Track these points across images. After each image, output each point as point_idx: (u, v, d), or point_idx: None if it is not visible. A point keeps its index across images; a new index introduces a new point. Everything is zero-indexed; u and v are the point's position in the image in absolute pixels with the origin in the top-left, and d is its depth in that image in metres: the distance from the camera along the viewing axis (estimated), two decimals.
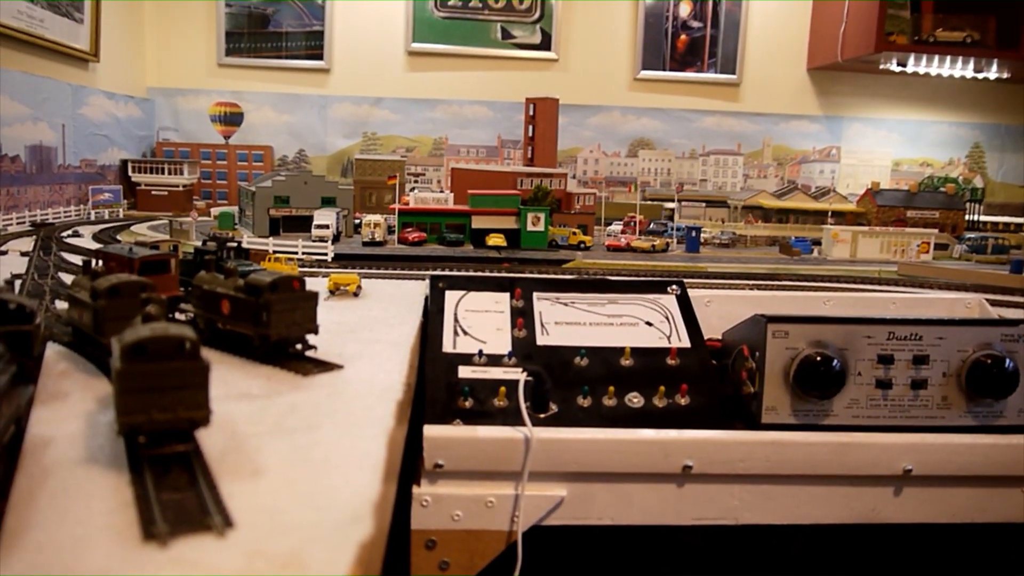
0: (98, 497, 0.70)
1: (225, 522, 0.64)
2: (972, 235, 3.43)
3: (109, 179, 3.74)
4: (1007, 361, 1.44)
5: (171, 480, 0.72)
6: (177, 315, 1.37)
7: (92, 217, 3.35)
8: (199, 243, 1.65)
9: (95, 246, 2.34)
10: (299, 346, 1.19)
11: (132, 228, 3.05)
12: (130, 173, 3.82)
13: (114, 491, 0.71)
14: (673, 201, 3.62)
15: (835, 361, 1.42)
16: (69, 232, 2.78)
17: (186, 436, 0.77)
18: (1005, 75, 4.30)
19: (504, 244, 2.72)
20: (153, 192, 3.82)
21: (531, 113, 3.79)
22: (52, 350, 1.20)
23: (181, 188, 3.83)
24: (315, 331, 1.19)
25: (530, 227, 2.73)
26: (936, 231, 3.33)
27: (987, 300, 1.92)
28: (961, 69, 4.22)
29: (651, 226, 3.36)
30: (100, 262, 1.33)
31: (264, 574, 0.57)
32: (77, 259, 2.11)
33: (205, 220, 3.37)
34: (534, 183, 3.17)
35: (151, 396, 0.73)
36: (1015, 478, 1.46)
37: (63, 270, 1.93)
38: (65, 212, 3.26)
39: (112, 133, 3.78)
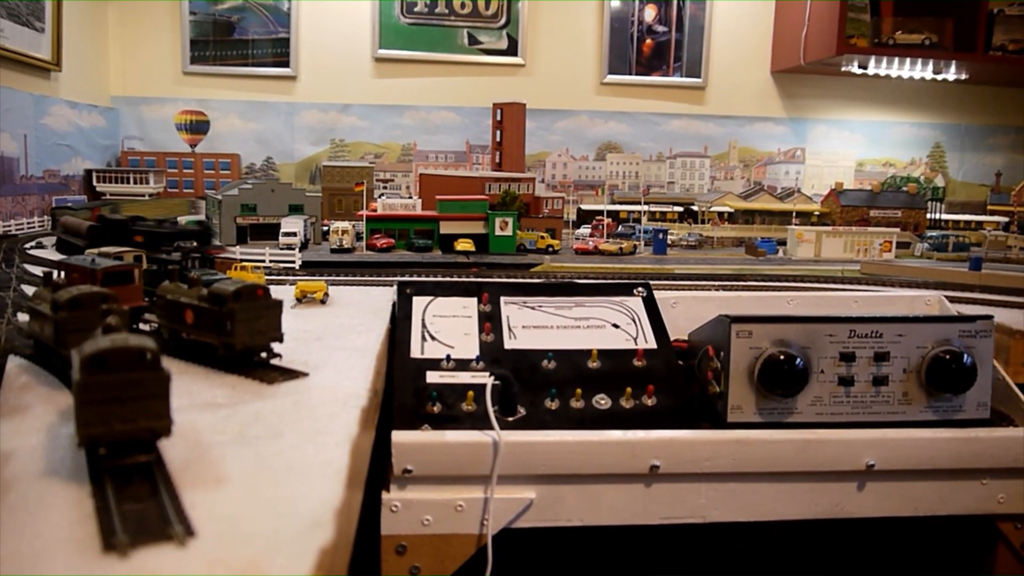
0: (58, 509, 0.69)
1: (186, 531, 0.64)
2: (933, 233, 3.49)
3: (73, 189, 3.69)
4: (965, 356, 1.48)
5: (133, 491, 0.72)
6: (141, 326, 1.36)
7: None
8: (163, 253, 1.64)
9: (58, 257, 2.31)
10: (264, 354, 1.19)
11: None
12: (95, 183, 3.78)
13: (75, 503, 0.71)
14: (640, 204, 3.65)
15: (798, 360, 1.44)
16: (32, 243, 2.75)
17: (148, 446, 0.77)
18: (963, 76, 4.38)
19: (473, 249, 2.73)
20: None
21: (498, 118, 3.80)
22: (14, 363, 1.18)
23: (147, 197, 3.79)
24: (280, 339, 1.18)
25: (498, 232, 2.74)
26: (898, 230, 3.39)
27: (947, 297, 1.96)
28: (921, 71, 4.29)
29: (619, 229, 3.38)
30: (62, 274, 1.32)
31: None
32: (40, 271, 2.09)
33: None
34: (502, 188, 3.18)
35: (111, 407, 0.73)
36: (975, 470, 1.49)
37: (25, 282, 1.91)
38: (28, 223, 3.21)
39: (75, 143, 3.74)
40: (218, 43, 4.16)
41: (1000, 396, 1.59)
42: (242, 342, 1.13)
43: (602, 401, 1.46)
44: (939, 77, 4.39)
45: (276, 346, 1.21)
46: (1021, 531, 1.53)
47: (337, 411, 1.00)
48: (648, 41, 4.38)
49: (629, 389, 1.46)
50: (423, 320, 1.60)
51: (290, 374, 1.16)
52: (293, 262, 2.34)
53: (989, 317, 1.53)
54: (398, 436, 1.31)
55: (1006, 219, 4.17)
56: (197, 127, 4.12)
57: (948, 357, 1.48)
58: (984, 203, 4.59)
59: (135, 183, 3.79)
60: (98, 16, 4.04)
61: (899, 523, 1.49)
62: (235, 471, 0.79)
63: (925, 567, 1.78)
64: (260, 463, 0.81)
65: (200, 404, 1.01)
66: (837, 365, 1.48)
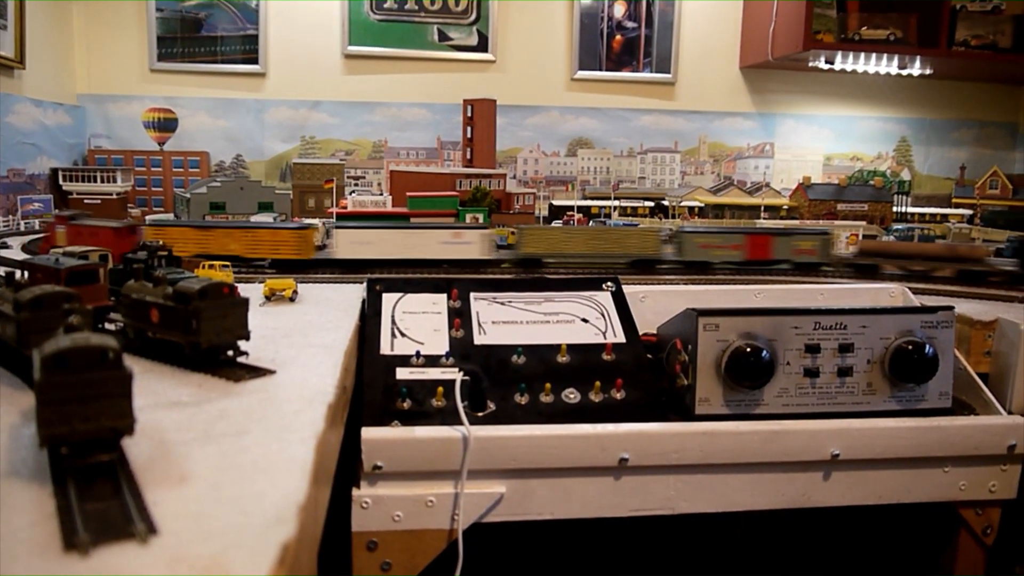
0: (19, 510, 0.69)
1: (149, 529, 0.64)
2: (899, 226, 3.54)
3: (39, 188, 3.65)
4: (927, 347, 1.50)
5: (95, 490, 0.72)
6: (107, 325, 1.35)
7: (22, 228, 3.26)
8: (129, 251, 1.62)
9: (22, 257, 2.28)
10: (231, 352, 1.18)
11: None
12: (61, 182, 3.73)
13: (36, 503, 0.70)
14: (611, 199, 3.67)
15: (764, 352, 1.46)
16: None
17: (111, 446, 0.76)
18: (928, 71, 4.44)
19: None
20: (86, 201, 3.72)
21: (469, 114, 3.80)
22: None
23: (115, 196, 3.75)
24: (246, 337, 1.18)
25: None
26: (865, 223, 3.43)
27: (910, 288, 1.99)
28: (886, 66, 4.35)
29: (590, 224, 3.40)
30: (26, 273, 1.30)
31: None
32: (2, 271, 2.06)
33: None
34: (473, 184, 3.19)
35: (73, 407, 0.72)
36: (937, 459, 1.52)
37: None
38: None
39: (41, 141, 3.69)
40: (186, 40, 4.12)
41: (961, 385, 1.62)
42: (208, 340, 1.12)
43: (571, 395, 1.47)
44: (904, 72, 4.45)
45: (244, 344, 1.20)
46: (982, 517, 1.57)
47: (304, 408, 1.00)
48: (618, 37, 4.40)
49: (598, 383, 1.47)
50: (393, 317, 1.60)
51: (257, 372, 1.16)
52: (263, 260, 2.33)
53: (950, 308, 1.56)
54: (368, 432, 1.31)
55: (970, 212, 4.24)
56: (165, 125, 4.08)
57: (911, 348, 1.50)
58: (949, 196, 4.66)
59: (102, 182, 3.74)
60: (63, 13, 3.98)
61: (864, 511, 1.52)
62: (199, 469, 0.79)
63: (889, 554, 1.81)
64: (225, 461, 0.81)
65: (165, 403, 1.00)
66: (803, 357, 1.50)
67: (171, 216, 3.21)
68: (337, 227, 2.40)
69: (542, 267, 2.44)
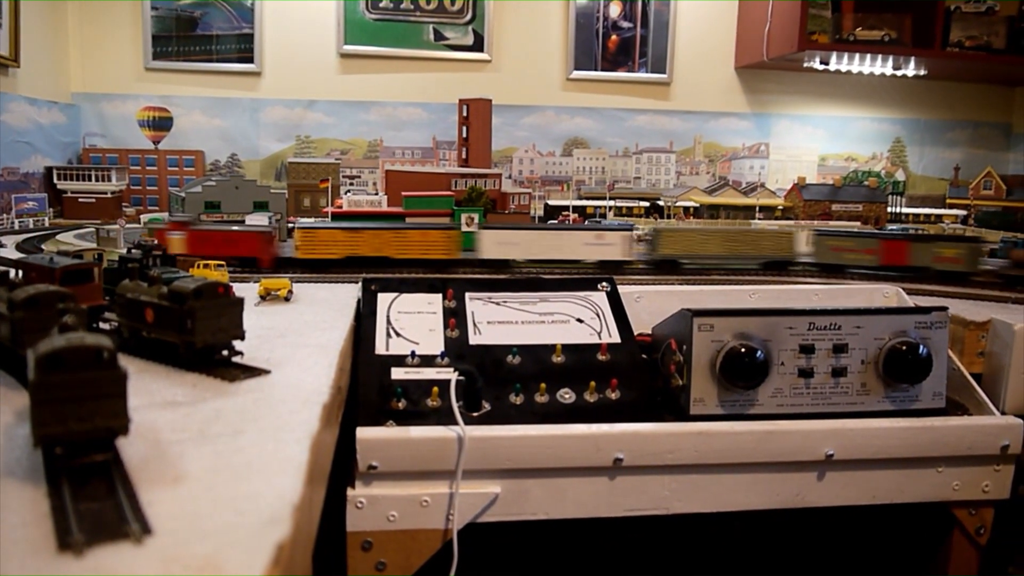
0: (13, 510, 0.69)
1: (143, 529, 0.64)
2: (894, 226, 3.55)
3: (33, 187, 3.63)
4: (921, 347, 1.51)
5: (89, 490, 0.72)
6: (101, 324, 1.34)
7: (16, 226, 3.25)
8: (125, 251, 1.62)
9: (16, 256, 2.28)
10: (225, 352, 1.18)
11: (58, 237, 2.97)
12: (55, 180, 3.72)
13: (31, 503, 0.70)
14: (606, 199, 3.67)
15: (759, 352, 1.46)
16: None
17: (105, 445, 0.76)
18: (922, 72, 4.45)
19: None
20: (80, 199, 3.72)
21: (464, 114, 3.80)
22: None
23: (109, 195, 3.74)
24: (241, 337, 1.18)
25: (464, 228, 2.74)
26: (859, 223, 3.44)
27: (904, 289, 2.00)
28: (881, 66, 4.36)
29: (585, 224, 3.40)
30: (20, 273, 1.30)
31: None
32: None
33: (136, 227, 3.30)
34: (468, 184, 3.18)
35: (67, 407, 0.72)
36: (931, 459, 1.52)
37: None
38: None
39: (35, 140, 3.68)
40: (181, 39, 4.11)
41: (955, 386, 1.63)
42: (203, 340, 1.12)
43: (566, 395, 1.47)
44: (899, 73, 4.46)
45: (239, 344, 1.20)
46: (975, 517, 1.57)
47: (298, 408, 1.00)
48: (613, 37, 4.40)
49: (593, 383, 1.48)
50: (388, 316, 1.60)
51: (252, 372, 1.16)
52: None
53: (944, 308, 1.56)
54: (363, 432, 1.31)
55: (964, 212, 4.26)
56: (160, 123, 4.07)
57: (904, 348, 1.51)
58: (943, 196, 4.67)
59: (97, 181, 3.74)
60: (58, 11, 3.97)
61: (858, 511, 1.52)
62: (194, 469, 0.79)
63: (883, 554, 1.81)
64: (219, 461, 0.81)
65: (160, 403, 1.00)
66: (797, 357, 1.51)
67: (166, 215, 3.20)
68: (484, 227, 2.44)
69: (678, 269, 2.40)
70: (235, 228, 2.32)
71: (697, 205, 3.84)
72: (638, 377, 1.52)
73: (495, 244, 2.39)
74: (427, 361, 1.49)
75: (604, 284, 1.75)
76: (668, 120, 4.53)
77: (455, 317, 1.60)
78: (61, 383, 0.72)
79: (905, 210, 4.20)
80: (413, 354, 1.49)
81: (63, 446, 0.74)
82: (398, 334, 1.56)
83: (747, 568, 1.88)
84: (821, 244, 2.47)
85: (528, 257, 2.39)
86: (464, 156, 3.82)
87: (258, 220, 2.66)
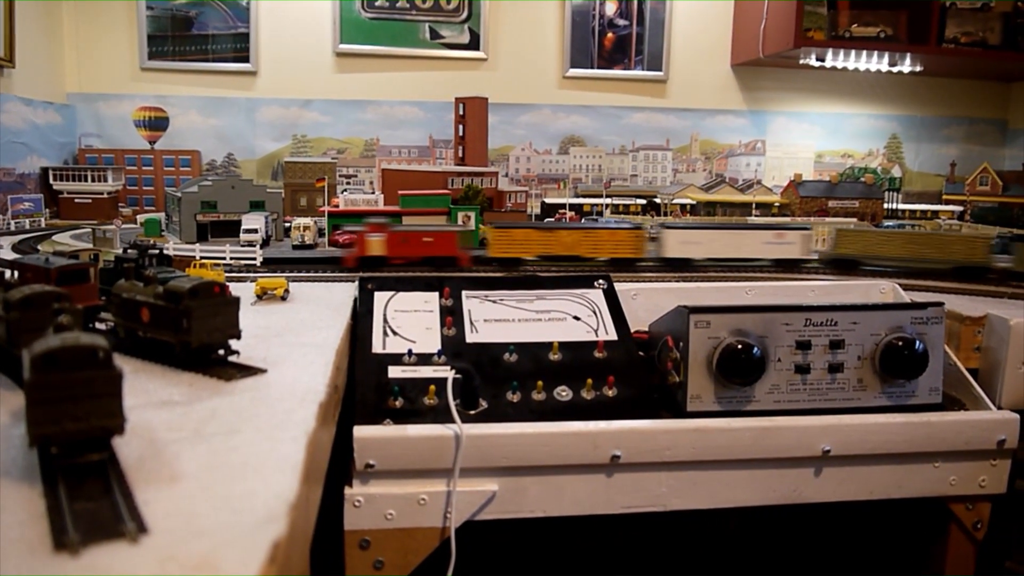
0: (9, 510, 0.69)
1: (139, 528, 0.64)
2: (890, 223, 3.55)
3: (29, 188, 3.63)
4: (917, 343, 1.51)
5: (85, 489, 0.72)
6: (97, 324, 1.34)
7: (12, 227, 3.24)
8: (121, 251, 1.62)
9: (12, 256, 2.28)
10: (221, 351, 1.18)
11: (54, 237, 2.97)
12: (51, 181, 3.71)
13: (26, 503, 0.70)
14: (603, 197, 3.67)
15: (755, 348, 1.47)
16: None
17: (101, 445, 0.76)
18: (918, 68, 4.46)
19: None
20: (76, 200, 3.71)
21: (461, 112, 3.79)
22: None
23: (105, 195, 3.73)
24: (237, 336, 1.18)
25: (461, 225, 2.74)
26: (856, 220, 3.44)
27: (901, 285, 2.00)
28: (877, 63, 4.36)
29: (582, 222, 3.40)
30: (16, 273, 1.30)
31: None
32: None
33: (132, 227, 3.30)
34: (465, 182, 3.18)
35: (63, 406, 0.72)
36: (927, 454, 1.52)
37: None
38: None
39: (31, 140, 3.67)
40: (176, 38, 4.11)
41: (951, 381, 1.63)
42: (199, 339, 1.12)
43: (563, 393, 1.47)
44: (895, 69, 4.46)
45: (235, 343, 1.20)
46: (972, 512, 1.57)
47: (295, 407, 1.00)
48: (609, 35, 4.40)
49: (590, 380, 1.48)
50: (384, 315, 1.60)
51: (248, 371, 1.16)
52: (254, 259, 2.33)
53: (940, 304, 1.57)
54: (360, 431, 1.31)
55: (960, 208, 4.26)
56: (156, 123, 4.07)
57: (901, 344, 1.51)
58: (939, 193, 4.67)
59: (93, 181, 3.73)
60: (53, 11, 3.97)
61: (855, 507, 1.52)
62: (190, 468, 0.79)
63: (881, 549, 1.82)
64: (215, 460, 0.81)
65: (156, 402, 1.00)
66: (794, 353, 1.51)
67: (162, 215, 3.19)
68: (666, 227, 2.46)
69: (856, 270, 2.36)
70: (433, 228, 2.38)
71: (694, 202, 3.84)
72: (635, 374, 1.52)
73: (678, 243, 2.42)
74: (424, 359, 1.49)
75: (601, 282, 1.76)
76: (664, 118, 4.53)
77: (452, 315, 1.60)
78: (57, 383, 0.72)
79: (901, 206, 4.20)
80: (410, 352, 1.49)
81: (59, 446, 0.74)
82: (395, 333, 1.56)
83: (745, 564, 1.88)
84: (1020, 251, 2.31)
85: (708, 256, 2.41)
86: (460, 154, 3.82)
87: (255, 220, 2.66)
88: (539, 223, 2.64)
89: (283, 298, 1.75)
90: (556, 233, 2.38)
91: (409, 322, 1.59)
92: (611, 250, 2.38)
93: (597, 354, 1.55)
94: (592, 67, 4.42)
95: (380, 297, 1.65)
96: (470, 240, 2.42)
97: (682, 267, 2.39)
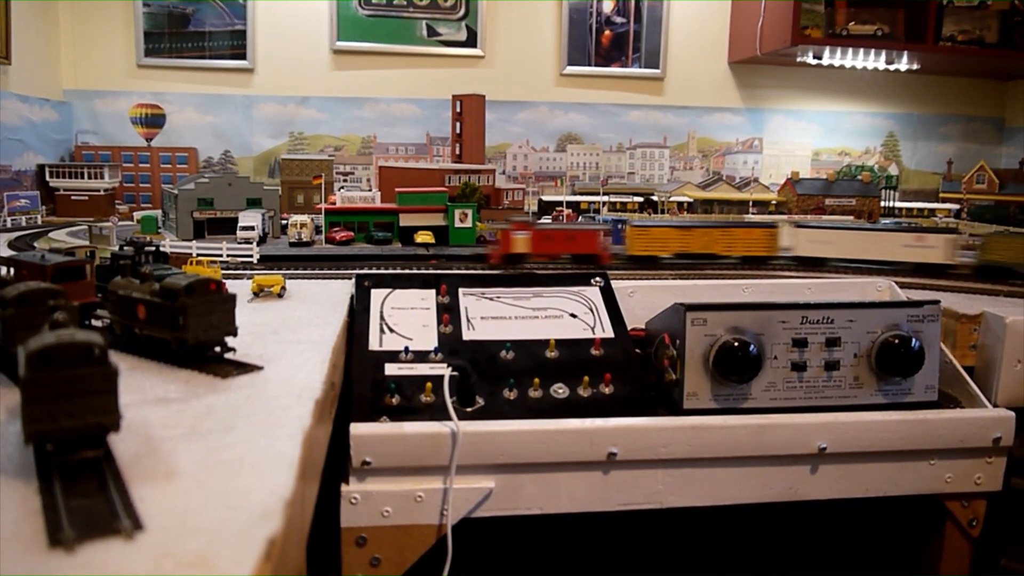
0: (4, 507, 0.69)
1: (134, 525, 0.64)
2: (887, 221, 3.56)
3: (25, 185, 3.62)
4: (913, 341, 1.51)
5: (81, 486, 0.72)
6: (93, 321, 1.34)
7: (8, 224, 3.24)
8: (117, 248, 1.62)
9: (9, 254, 2.27)
10: (218, 349, 1.18)
11: (50, 234, 2.96)
12: (48, 178, 3.71)
13: (21, 500, 0.70)
14: (600, 194, 3.67)
15: (752, 346, 1.47)
16: None
17: (96, 442, 0.76)
18: (915, 66, 4.46)
19: (432, 241, 2.72)
20: (73, 197, 3.71)
21: (458, 110, 3.79)
22: None
23: (102, 192, 3.73)
24: (234, 333, 1.18)
25: (458, 224, 2.74)
26: (852, 218, 3.45)
27: (897, 283, 2.00)
28: (874, 61, 4.36)
29: (579, 220, 3.40)
30: (12, 270, 1.30)
31: (171, 574, 0.58)
32: None
33: (128, 224, 3.29)
34: (462, 180, 3.19)
35: (58, 403, 0.72)
36: (923, 451, 1.53)
37: None
38: None
39: (27, 137, 3.66)
40: (173, 35, 4.10)
41: (947, 379, 1.64)
42: (195, 337, 1.12)
43: (560, 390, 1.47)
44: (892, 67, 4.47)
45: (231, 340, 1.20)
46: (968, 509, 1.58)
47: (291, 404, 1.00)
48: (607, 32, 4.40)
49: (587, 378, 1.48)
50: (381, 312, 1.60)
51: (244, 368, 1.16)
52: (251, 256, 2.32)
53: (936, 302, 1.57)
54: (356, 428, 1.31)
55: (957, 206, 4.26)
56: (153, 121, 4.06)
57: (897, 341, 1.51)
58: (936, 191, 4.67)
59: (89, 178, 3.73)
60: (49, 7, 3.96)
61: (851, 504, 1.53)
62: (186, 465, 0.79)
63: (876, 546, 1.82)
64: (211, 457, 0.81)
65: (152, 399, 1.00)
66: (790, 351, 1.51)
67: (159, 212, 3.19)
68: (799, 227, 2.48)
69: (1006, 278, 2.23)
70: (576, 227, 2.43)
71: (691, 200, 3.84)
72: (631, 372, 1.52)
73: (809, 242, 2.42)
74: (421, 357, 1.49)
75: (598, 279, 1.75)
76: (662, 115, 4.54)
77: (449, 313, 1.60)
78: (52, 380, 0.71)
79: (898, 204, 4.21)
80: (407, 350, 1.49)
81: (54, 442, 0.74)
82: (392, 330, 1.56)
83: (741, 561, 1.89)
84: None
85: (841, 256, 2.39)
86: (458, 152, 3.82)
87: (251, 217, 2.66)
88: (677, 221, 2.66)
89: (280, 295, 1.75)
90: (692, 232, 2.43)
91: (406, 319, 1.59)
92: (745, 248, 2.41)
93: (594, 351, 1.55)
94: (589, 64, 4.42)
95: (377, 294, 1.65)
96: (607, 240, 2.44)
97: (815, 266, 2.38)
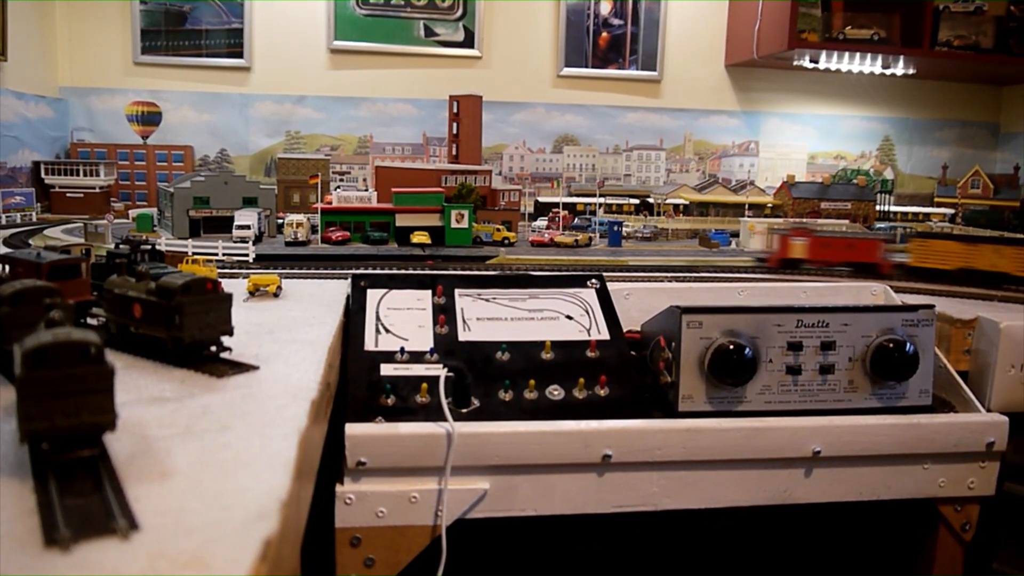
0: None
1: (130, 525, 0.64)
2: (882, 225, 3.57)
3: (20, 182, 3.61)
4: (908, 345, 1.52)
5: (76, 485, 0.71)
6: (89, 320, 1.34)
7: (3, 221, 3.23)
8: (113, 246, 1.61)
9: (5, 251, 2.27)
10: (214, 348, 1.18)
11: (45, 232, 2.96)
12: (43, 175, 3.70)
13: (16, 499, 0.70)
14: (596, 196, 3.68)
15: (747, 349, 1.47)
16: None
17: (92, 441, 0.76)
18: (911, 71, 4.47)
19: (428, 242, 2.73)
20: (68, 194, 3.70)
21: (455, 110, 3.79)
22: None
23: (98, 190, 3.73)
24: (230, 332, 1.18)
25: (454, 224, 2.74)
26: (848, 221, 3.46)
27: (892, 287, 2.01)
28: (870, 65, 4.37)
29: (575, 221, 3.40)
30: (7, 268, 1.30)
31: (166, 574, 0.58)
32: None
33: (124, 222, 3.29)
34: (458, 180, 3.19)
35: (54, 402, 0.72)
36: (917, 455, 1.53)
37: None
38: None
39: (22, 134, 3.65)
40: (170, 33, 4.09)
41: (941, 383, 1.64)
42: (191, 336, 1.12)
43: (555, 392, 1.47)
44: (888, 72, 4.48)
45: (227, 340, 1.20)
46: (961, 513, 1.58)
47: (287, 404, 0.99)
48: (604, 34, 4.40)
49: (582, 380, 1.48)
50: (377, 313, 1.60)
51: (240, 368, 1.16)
52: (247, 255, 2.32)
53: (931, 306, 1.57)
54: (351, 429, 1.31)
55: (952, 211, 4.28)
56: (149, 118, 4.05)
57: (892, 346, 1.52)
58: (931, 195, 4.69)
59: (85, 175, 3.72)
60: (45, 5, 3.95)
61: (844, 508, 1.53)
62: (181, 464, 0.79)
63: (869, 550, 1.82)
64: (207, 456, 0.81)
65: (148, 398, 1.00)
66: (785, 354, 1.51)
67: (154, 210, 3.19)
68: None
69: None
70: (856, 235, 2.33)
71: (687, 203, 3.85)
72: (627, 374, 1.52)
73: None
74: (416, 357, 1.49)
75: (594, 281, 1.76)
76: (658, 117, 4.54)
77: (444, 313, 1.60)
78: (47, 378, 0.71)
79: (893, 208, 4.22)
80: (402, 350, 1.49)
81: (50, 441, 0.74)
82: (387, 330, 1.56)
83: (735, 564, 1.89)
84: None
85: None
86: (454, 152, 3.82)
87: (247, 216, 2.66)
88: (961, 236, 2.40)
89: (276, 295, 1.75)
90: (979, 248, 2.23)
91: (402, 320, 1.59)
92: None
93: (589, 353, 1.55)
94: (586, 66, 4.42)
95: (373, 295, 1.65)
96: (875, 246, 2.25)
97: None
